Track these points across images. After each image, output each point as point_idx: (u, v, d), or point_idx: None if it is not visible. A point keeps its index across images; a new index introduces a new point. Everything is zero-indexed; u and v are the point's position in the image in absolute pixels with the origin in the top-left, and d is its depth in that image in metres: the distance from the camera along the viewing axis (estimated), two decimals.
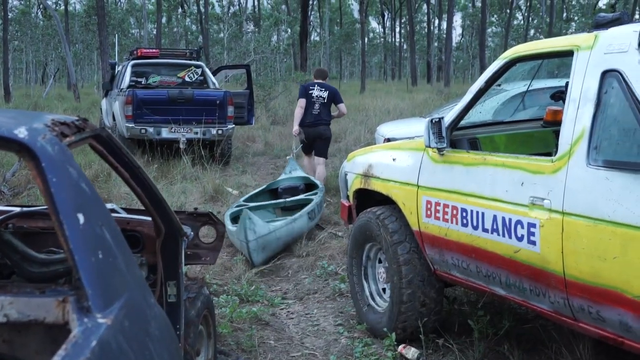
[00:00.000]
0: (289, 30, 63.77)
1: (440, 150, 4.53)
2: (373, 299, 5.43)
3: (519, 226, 3.85)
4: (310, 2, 40.92)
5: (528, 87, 7.85)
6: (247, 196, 9.65)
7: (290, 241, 7.78)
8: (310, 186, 9.91)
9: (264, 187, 10.17)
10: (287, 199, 9.14)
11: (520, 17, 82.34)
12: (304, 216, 8.11)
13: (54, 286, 2.11)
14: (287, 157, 11.70)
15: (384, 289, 5.36)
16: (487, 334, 4.81)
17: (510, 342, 4.78)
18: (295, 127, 10.76)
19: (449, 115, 4.59)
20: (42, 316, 2.03)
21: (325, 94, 10.68)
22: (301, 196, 9.25)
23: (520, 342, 4.86)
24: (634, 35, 3.41)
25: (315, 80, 10.99)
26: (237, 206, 8.78)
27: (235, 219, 8.12)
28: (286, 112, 23.50)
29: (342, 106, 10.93)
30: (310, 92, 10.68)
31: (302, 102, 10.65)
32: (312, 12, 60.29)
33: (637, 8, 50.74)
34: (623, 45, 3.45)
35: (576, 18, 76.12)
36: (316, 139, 10.76)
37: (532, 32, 72.14)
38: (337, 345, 5.21)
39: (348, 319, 5.69)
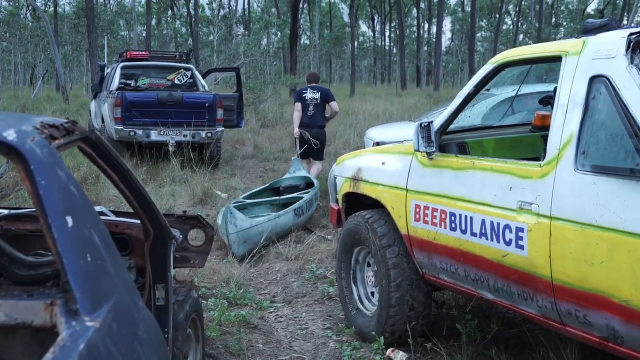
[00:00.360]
0: (279, 34, 63.76)
1: (429, 154, 4.54)
2: (362, 302, 5.43)
3: (507, 230, 3.87)
4: (300, 6, 40.93)
5: (517, 92, 7.88)
6: (249, 193, 10.04)
7: (275, 235, 8.05)
8: (310, 185, 10.28)
9: (267, 185, 10.60)
10: (280, 198, 9.58)
11: (509, 22, 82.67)
12: (289, 212, 8.50)
13: (41, 289, 2.10)
14: (292, 158, 12.06)
15: (372, 293, 5.36)
16: (475, 338, 4.82)
17: (498, 346, 4.80)
18: (296, 130, 11.32)
19: (438, 119, 4.60)
20: (29, 319, 2.02)
21: (317, 95, 11.23)
22: (293, 194, 9.61)
23: (508, 346, 4.88)
24: (621, 41, 3.43)
25: (308, 85, 11.51)
26: (235, 202, 9.05)
27: None
28: (275, 115, 23.51)
29: (334, 104, 11.43)
30: (303, 95, 11.27)
31: (298, 105, 11.27)
32: (302, 16, 60.37)
33: (625, 14, 51.01)
34: (611, 51, 3.47)
35: (565, 23, 76.52)
36: (314, 138, 11.26)
37: (521, 37, 72.42)
38: (325, 348, 5.21)
39: (336, 323, 5.69)
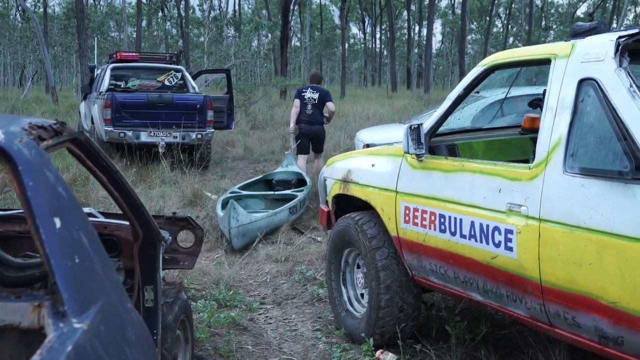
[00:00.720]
0: (270, 35, 63.78)
1: (418, 156, 4.55)
2: (351, 304, 5.43)
3: (496, 232, 3.88)
4: (291, 8, 40.99)
5: (506, 95, 7.90)
6: (242, 184, 10.61)
7: (269, 230, 8.48)
8: (302, 181, 10.68)
9: (260, 177, 11.16)
10: (275, 193, 9.98)
11: (499, 25, 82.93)
12: (285, 211, 8.89)
13: (29, 291, 2.09)
14: (286, 152, 12.42)
15: (362, 295, 5.36)
16: (464, 340, 4.83)
17: (487, 348, 4.81)
18: (292, 125, 11.68)
19: (427, 121, 4.61)
20: (17, 321, 2.01)
21: (316, 95, 11.53)
22: (288, 191, 10.00)
23: (497, 348, 4.89)
24: (610, 44, 3.45)
25: (309, 84, 11.90)
26: (231, 192, 9.71)
27: (225, 205, 8.92)
28: (266, 117, 23.50)
29: (330, 104, 11.72)
30: (303, 94, 11.59)
31: (296, 102, 11.62)
32: (293, 18, 60.39)
33: (615, 17, 51.23)
34: (599, 54, 3.49)
35: (554, 26, 76.79)
36: (312, 138, 11.64)
37: (511, 39, 72.65)
38: (315, 350, 5.21)
39: (326, 324, 5.69)
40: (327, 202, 5.80)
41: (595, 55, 3.52)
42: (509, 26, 73.94)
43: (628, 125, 3.22)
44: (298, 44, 74.23)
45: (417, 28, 71.56)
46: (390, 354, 4.86)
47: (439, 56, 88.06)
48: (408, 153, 4.57)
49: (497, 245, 3.87)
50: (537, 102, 5.19)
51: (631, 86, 3.28)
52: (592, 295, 3.31)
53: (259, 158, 15.78)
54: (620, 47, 3.41)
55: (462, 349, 4.80)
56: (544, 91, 3.85)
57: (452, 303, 5.70)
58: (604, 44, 3.49)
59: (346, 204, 5.51)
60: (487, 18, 68.96)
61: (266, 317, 5.93)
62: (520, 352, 4.74)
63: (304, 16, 66.74)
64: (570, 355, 4.34)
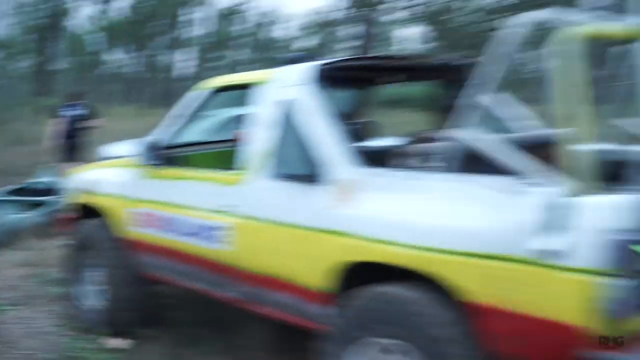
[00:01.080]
0: (29, 58, 59.60)
1: (150, 166, 4.54)
2: (90, 300, 5.17)
3: (213, 230, 3.96)
4: (52, 32, 38.84)
5: (227, 114, 8.03)
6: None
7: (16, 235, 8.03)
8: (58, 190, 9.76)
9: (20, 185, 10.14)
10: (32, 199, 9.31)
11: (236, 53, 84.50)
12: (37, 214, 8.57)
13: None
14: (45, 165, 11.24)
15: (99, 291, 5.13)
16: (191, 322, 4.93)
17: (210, 329, 4.90)
18: (49, 143, 10.61)
19: (161, 136, 4.63)
20: None
21: (78, 112, 10.64)
22: (41, 198, 9.34)
23: (220, 329, 4.95)
24: (308, 71, 3.65)
25: (70, 102, 10.79)
26: None
27: None
28: (25, 134, 21.78)
29: (95, 120, 10.92)
30: (64, 111, 10.58)
31: (56, 121, 10.51)
32: (53, 41, 56.82)
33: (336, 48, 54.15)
34: (296, 79, 3.68)
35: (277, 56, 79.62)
36: (73, 150, 10.68)
37: (247, 66, 74.30)
38: (56, 345, 4.87)
39: (67, 320, 5.33)
40: (67, 210, 5.56)
41: (293, 80, 3.70)
42: (242, 54, 75.57)
43: (310, 138, 3.45)
44: (58, 66, 70.19)
45: (171, 54, 70.76)
46: (124, 341, 4.81)
47: (190, 79, 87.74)
48: (142, 164, 4.54)
49: (214, 240, 3.95)
50: (248, 120, 5.33)
51: (318, 107, 3.49)
52: (287, 278, 3.51)
53: (16, 173, 14.47)
54: (316, 74, 3.61)
55: (189, 330, 4.86)
56: (254, 110, 3.99)
57: (179, 292, 5.62)
58: (303, 70, 3.68)
59: (88, 211, 5.30)
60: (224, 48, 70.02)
61: (9, 317, 5.43)
62: (238, 330, 4.84)
63: (64, 40, 63.25)
64: (278, 331, 4.47)
